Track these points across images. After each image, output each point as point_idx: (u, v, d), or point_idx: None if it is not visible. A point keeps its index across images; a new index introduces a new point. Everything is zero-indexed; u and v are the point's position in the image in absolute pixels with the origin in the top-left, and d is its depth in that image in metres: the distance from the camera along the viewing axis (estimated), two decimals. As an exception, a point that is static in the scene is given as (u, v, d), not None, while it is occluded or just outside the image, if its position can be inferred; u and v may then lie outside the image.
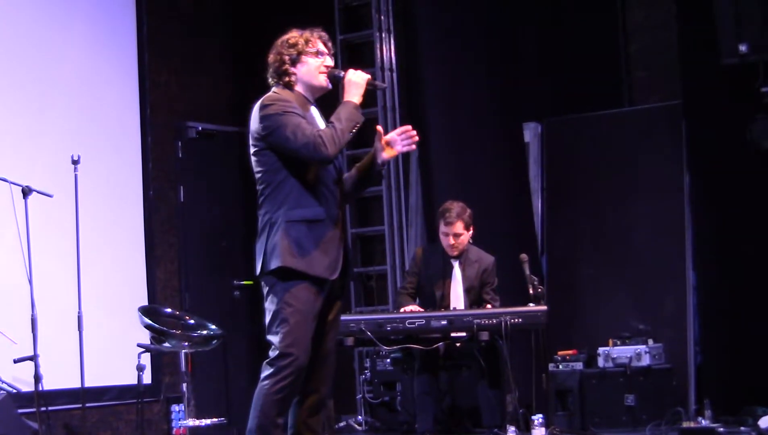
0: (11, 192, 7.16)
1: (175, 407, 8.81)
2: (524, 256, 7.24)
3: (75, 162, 7.45)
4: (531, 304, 7.05)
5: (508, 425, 6.89)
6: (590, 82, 9.53)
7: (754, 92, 8.01)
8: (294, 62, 5.23)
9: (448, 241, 7.49)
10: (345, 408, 9.30)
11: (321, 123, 5.19)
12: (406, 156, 9.67)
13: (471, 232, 7.57)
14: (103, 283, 8.31)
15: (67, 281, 7.57)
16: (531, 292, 7.08)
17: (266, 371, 5.01)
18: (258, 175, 5.19)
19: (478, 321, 6.89)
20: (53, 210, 7.69)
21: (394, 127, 9.55)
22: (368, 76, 5.25)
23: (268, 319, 5.04)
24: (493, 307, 7.38)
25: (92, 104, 8.68)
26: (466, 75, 9.07)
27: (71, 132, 8.43)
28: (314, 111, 5.24)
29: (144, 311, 7.87)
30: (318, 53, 5.26)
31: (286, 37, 5.29)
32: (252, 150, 5.18)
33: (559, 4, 9.65)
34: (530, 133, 9.46)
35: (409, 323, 6.99)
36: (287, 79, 5.21)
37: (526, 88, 9.39)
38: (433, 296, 7.53)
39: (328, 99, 5.41)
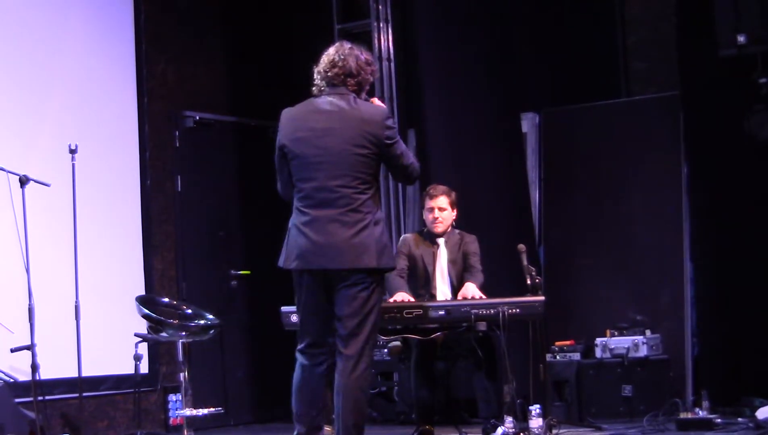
0: (8, 181, 7.13)
1: (172, 397, 8.81)
2: (522, 247, 7.23)
3: (72, 151, 7.42)
4: (528, 295, 7.04)
5: (505, 416, 6.88)
6: (588, 72, 9.55)
7: (752, 83, 8.01)
8: (370, 84, 5.68)
9: (432, 216, 7.49)
10: (342, 398, 9.29)
11: None
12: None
13: (455, 213, 7.55)
14: (100, 273, 8.29)
15: (65, 270, 7.55)
16: (528, 282, 7.07)
17: (365, 360, 5.39)
18: (362, 175, 5.44)
19: (476, 311, 6.88)
20: (50, 199, 7.67)
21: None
22: None
23: (365, 309, 5.40)
24: (475, 275, 7.34)
25: (90, 93, 8.65)
26: (464, 65, 9.06)
27: (69, 121, 8.41)
28: None
29: (141, 301, 7.86)
30: None
31: (367, 55, 5.65)
32: (364, 150, 5.43)
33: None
34: (528, 123, 9.46)
35: (407, 313, 6.98)
36: (364, 95, 5.60)
37: (524, 78, 9.38)
38: (419, 273, 7.51)
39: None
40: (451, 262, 7.47)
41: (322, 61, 5.60)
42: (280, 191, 5.65)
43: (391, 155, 5.48)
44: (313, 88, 5.64)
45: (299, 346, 5.57)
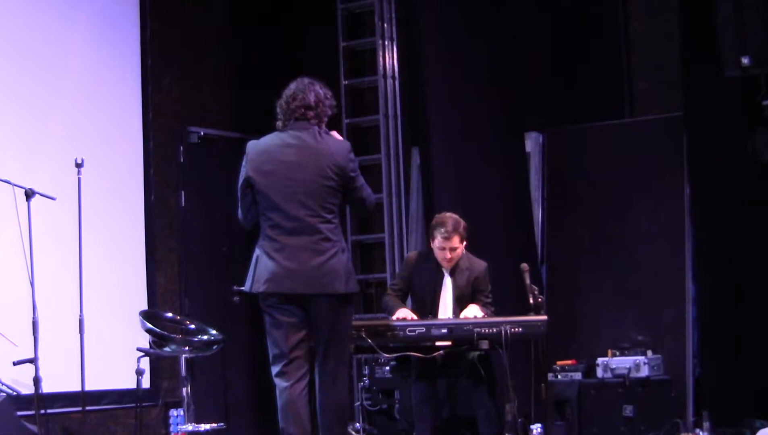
0: (14, 194, 7.15)
1: (174, 412, 8.79)
2: (525, 266, 7.22)
3: (78, 165, 7.45)
4: (531, 314, 7.04)
5: (506, 434, 6.89)
6: (592, 92, 9.56)
7: (756, 105, 8.02)
8: (329, 116, 5.93)
9: (444, 255, 7.42)
10: (343, 415, 9.28)
11: None
12: (407, 163, 9.70)
13: (464, 243, 7.52)
14: (103, 287, 8.30)
15: (69, 284, 7.57)
16: (531, 301, 7.06)
17: (341, 375, 5.80)
18: (329, 205, 5.73)
19: (479, 330, 6.89)
20: (56, 213, 7.68)
21: (396, 136, 9.63)
22: None
23: (338, 327, 5.75)
24: (485, 314, 7.33)
25: (95, 108, 8.69)
26: (468, 84, 9.08)
27: (74, 135, 8.44)
28: None
29: (145, 315, 7.87)
30: None
31: (326, 90, 5.90)
32: (332, 181, 5.72)
33: (561, 14, 9.68)
34: (532, 143, 9.49)
35: (410, 331, 6.99)
36: (324, 127, 5.84)
37: (528, 97, 9.41)
38: (424, 303, 7.50)
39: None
40: (457, 298, 7.42)
41: (283, 95, 5.87)
42: (242, 218, 5.94)
43: (353, 187, 5.80)
44: (278, 123, 5.87)
45: (275, 371, 5.78)
